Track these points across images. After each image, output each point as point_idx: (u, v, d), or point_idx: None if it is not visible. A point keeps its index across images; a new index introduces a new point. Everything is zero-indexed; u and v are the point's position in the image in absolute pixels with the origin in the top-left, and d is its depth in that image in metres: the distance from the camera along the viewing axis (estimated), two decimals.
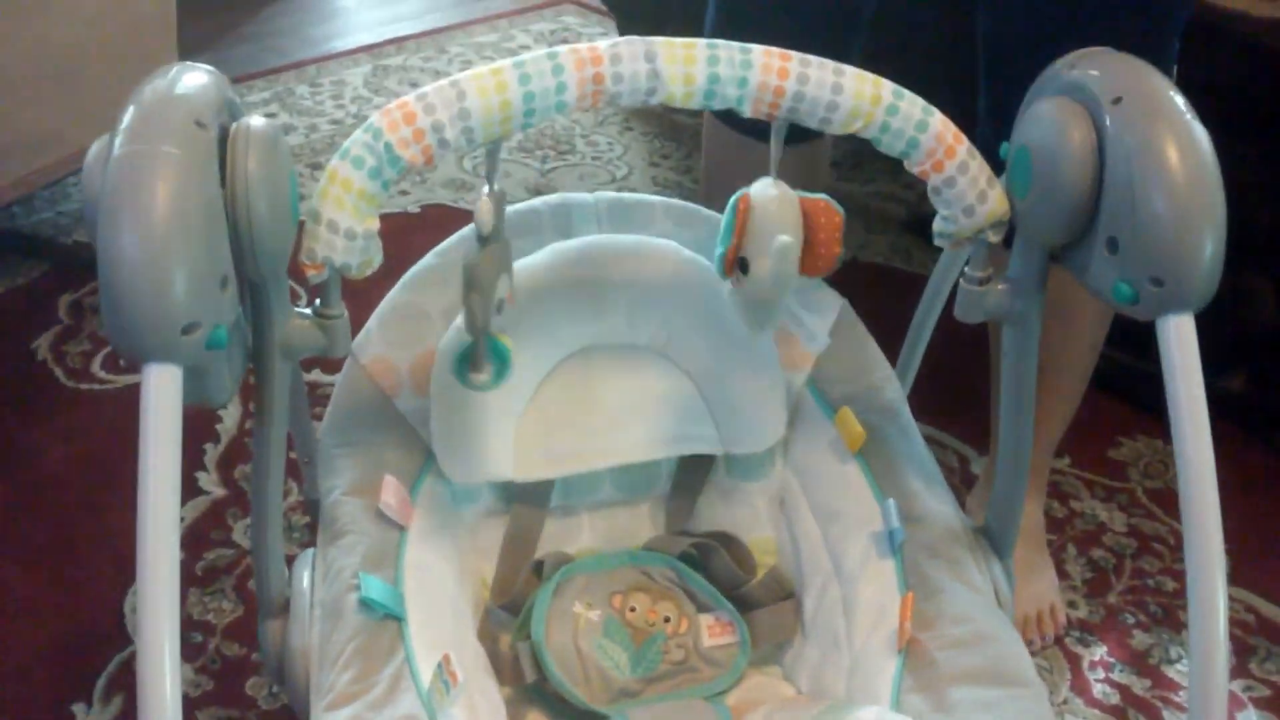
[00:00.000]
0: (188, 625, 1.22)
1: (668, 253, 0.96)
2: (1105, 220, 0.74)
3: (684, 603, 0.96)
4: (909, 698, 0.80)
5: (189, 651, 1.19)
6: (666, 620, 0.95)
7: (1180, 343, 0.73)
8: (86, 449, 1.45)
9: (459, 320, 0.88)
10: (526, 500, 0.98)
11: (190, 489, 1.39)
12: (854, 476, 0.95)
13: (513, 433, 0.95)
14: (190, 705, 1.14)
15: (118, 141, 0.66)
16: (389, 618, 0.80)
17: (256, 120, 0.71)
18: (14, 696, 1.15)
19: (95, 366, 1.58)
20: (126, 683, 1.16)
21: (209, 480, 1.41)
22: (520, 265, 0.89)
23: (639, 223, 0.99)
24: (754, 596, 0.97)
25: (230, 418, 1.49)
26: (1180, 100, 0.74)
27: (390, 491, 0.88)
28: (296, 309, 0.77)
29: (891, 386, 0.99)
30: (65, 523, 1.35)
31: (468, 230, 0.96)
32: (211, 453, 1.45)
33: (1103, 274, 0.75)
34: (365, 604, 0.80)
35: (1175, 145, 0.72)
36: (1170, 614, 1.31)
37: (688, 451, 0.98)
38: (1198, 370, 0.73)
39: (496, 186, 0.78)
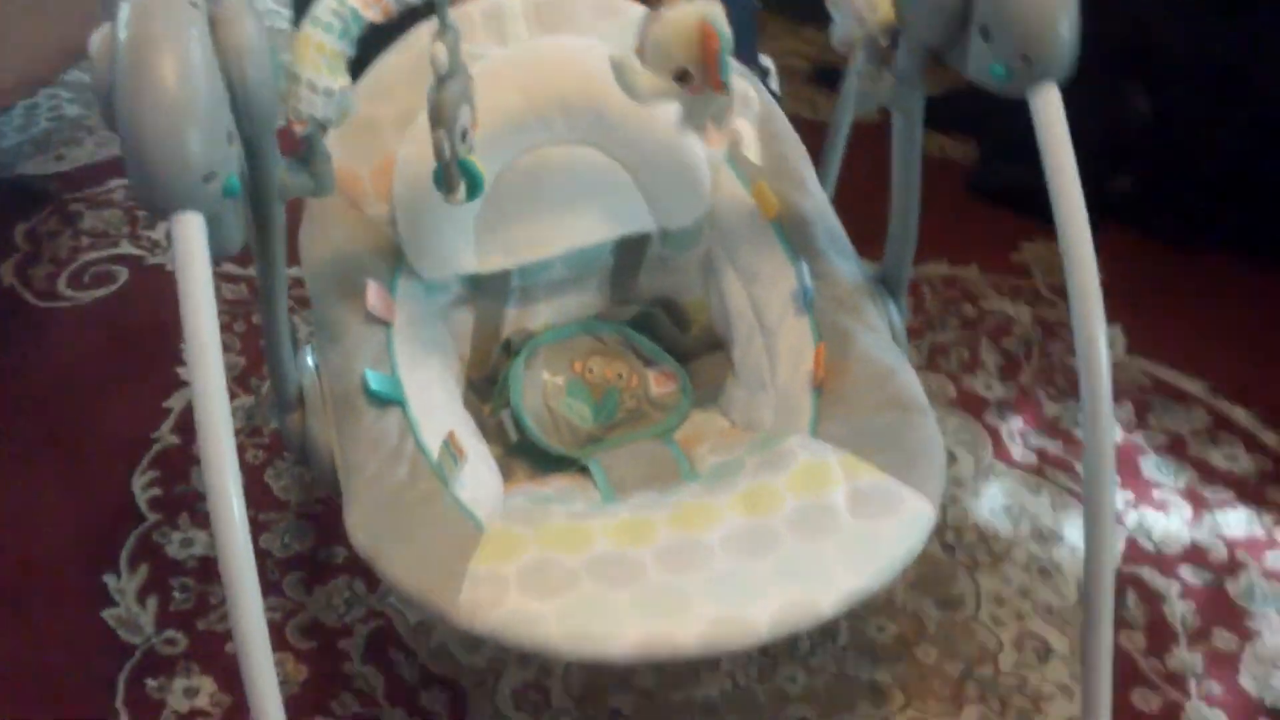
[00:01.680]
0: (195, 498, 1.33)
1: (595, 56, 1.04)
2: (977, 14, 0.86)
3: (633, 360, 1.11)
4: (824, 425, 0.94)
5: (201, 519, 1.30)
6: (620, 376, 1.10)
7: (1050, 108, 0.86)
8: (67, 358, 1.54)
9: (419, 120, 0.98)
10: (490, 287, 1.11)
11: (174, 382, 1.49)
12: (770, 241, 1.08)
13: (472, 229, 1.06)
14: (211, 564, 1.25)
15: (123, 26, 0.75)
16: (393, 404, 0.93)
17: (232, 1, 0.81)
18: (47, 577, 1.25)
19: (61, 286, 1.65)
20: (148, 552, 1.27)
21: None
22: None
23: (565, 19, 1.09)
24: (691, 350, 1.12)
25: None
26: None
27: (374, 294, 1.00)
28: (286, 160, 0.87)
29: (804, 162, 1.11)
30: (61, 425, 1.44)
31: (409, 37, 1.06)
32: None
33: (979, 60, 0.87)
34: (371, 395, 0.93)
35: None
36: (1074, 387, 1.46)
37: (627, 232, 1.11)
38: (1066, 133, 0.86)
39: (451, 28, 0.88)
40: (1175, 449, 1.38)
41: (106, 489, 1.35)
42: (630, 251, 1.14)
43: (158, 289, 1.64)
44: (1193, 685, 1.13)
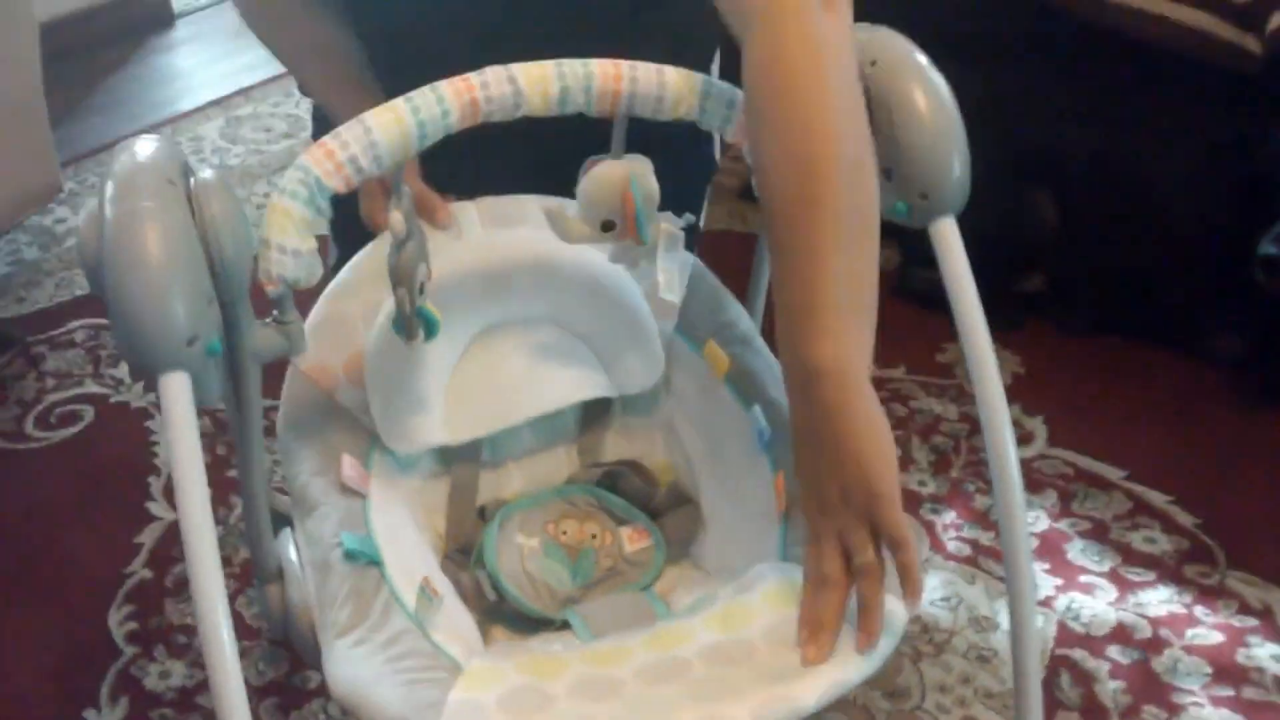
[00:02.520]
0: (170, 630, 1.38)
1: (549, 242, 1.14)
2: (880, 157, 0.96)
3: (605, 520, 1.15)
4: (793, 550, 1.00)
5: (178, 651, 1.35)
6: (594, 536, 1.14)
7: (947, 239, 0.96)
8: (36, 499, 1.59)
9: (380, 317, 1.06)
10: (462, 459, 1.16)
11: (144, 517, 1.54)
12: (725, 396, 1.16)
13: (441, 404, 1.13)
14: (189, 694, 1.30)
15: (108, 205, 0.83)
16: (369, 564, 0.98)
17: (207, 173, 0.89)
18: (30, 713, 1.29)
19: (29, 427, 1.70)
20: (127, 685, 1.31)
21: (159, 508, 1.55)
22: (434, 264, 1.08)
23: (517, 220, 1.19)
24: (661, 507, 1.17)
25: (165, 453, 1.64)
26: (922, 58, 0.97)
27: (349, 467, 1.06)
28: (260, 321, 0.95)
29: (744, 320, 1.19)
30: (35, 562, 1.49)
31: (372, 245, 1.15)
32: (155, 484, 1.59)
33: (885, 197, 0.97)
34: (348, 555, 0.98)
35: (921, 94, 0.95)
36: None
37: (588, 397, 1.17)
38: (964, 258, 0.96)
39: (404, 193, 0.96)
40: (1098, 534, 1.47)
41: (83, 624, 1.39)
42: (595, 418, 1.20)
43: (123, 426, 1.70)
44: None
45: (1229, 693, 1.26)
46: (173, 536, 1.51)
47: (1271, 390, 1.66)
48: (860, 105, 0.91)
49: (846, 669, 0.84)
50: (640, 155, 1.03)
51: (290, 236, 0.91)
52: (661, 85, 0.98)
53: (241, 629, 1.36)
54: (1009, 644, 1.29)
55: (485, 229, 1.18)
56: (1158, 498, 1.51)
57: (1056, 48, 1.83)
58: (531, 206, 1.20)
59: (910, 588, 0.85)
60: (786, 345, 0.88)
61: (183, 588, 1.43)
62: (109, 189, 0.84)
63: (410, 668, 0.88)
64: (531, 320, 1.17)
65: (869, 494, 0.83)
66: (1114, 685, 1.28)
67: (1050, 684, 1.28)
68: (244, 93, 2.65)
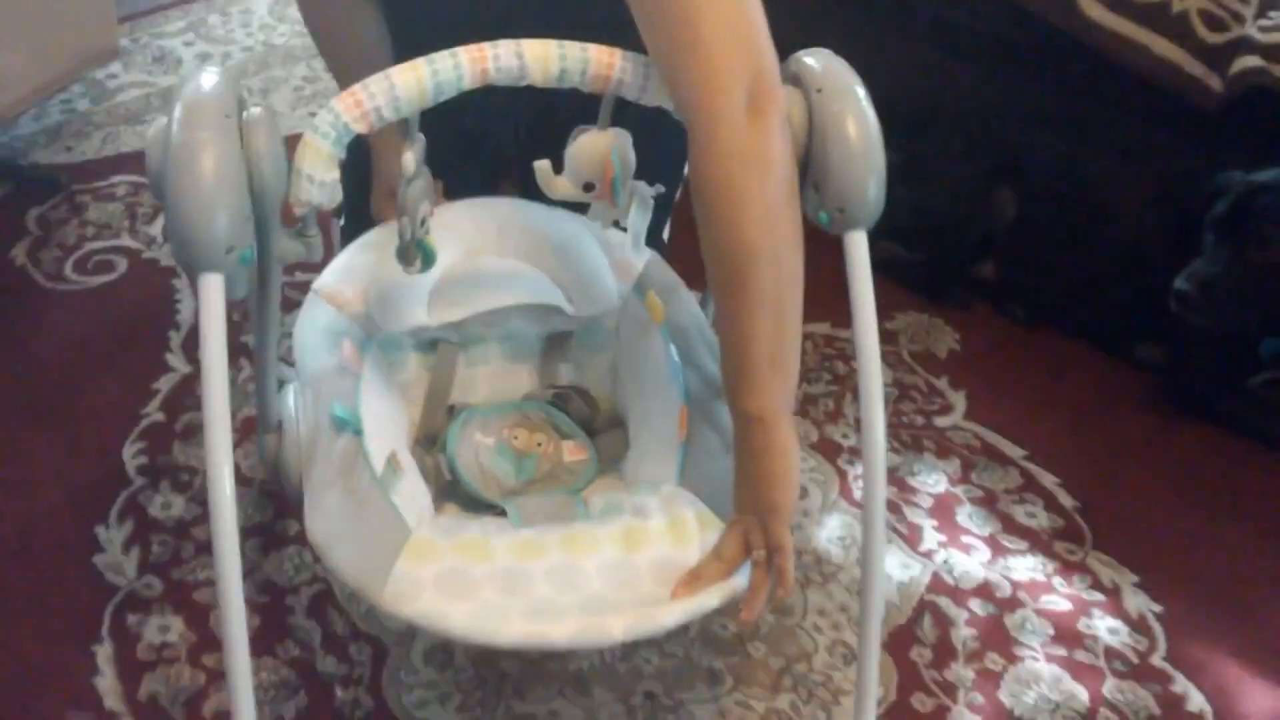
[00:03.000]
0: (176, 468, 1.59)
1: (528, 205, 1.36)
2: (812, 170, 1.14)
3: (551, 433, 1.36)
4: (687, 477, 1.19)
5: (180, 486, 1.57)
6: (539, 444, 1.34)
7: (857, 250, 1.14)
8: (70, 337, 1.79)
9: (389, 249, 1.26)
10: (441, 365, 1.37)
11: (162, 366, 1.75)
12: (656, 339, 1.34)
13: (425, 298, 1.33)
14: (186, 525, 1.52)
15: (174, 130, 1.01)
16: (353, 432, 1.19)
17: (256, 110, 1.07)
18: (49, 526, 1.51)
19: (67, 270, 1.90)
20: (133, 510, 1.53)
21: (176, 360, 1.76)
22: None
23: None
24: (599, 427, 1.37)
25: (186, 309, 1.85)
26: (861, 90, 1.14)
27: (348, 349, 1.26)
28: (286, 231, 1.14)
29: (688, 297, 1.37)
30: (62, 395, 1.69)
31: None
32: (175, 338, 1.80)
33: (812, 205, 1.15)
34: (336, 421, 1.18)
35: (853, 124, 1.12)
36: (916, 441, 1.76)
37: (548, 301, 1.35)
38: (868, 271, 1.13)
39: (418, 139, 1.15)
40: (987, 502, 1.67)
41: (100, 455, 1.60)
42: (554, 346, 1.40)
43: (152, 281, 1.90)
44: (961, 695, 1.42)
45: (1062, 653, 1.48)
46: (186, 386, 1.71)
47: (1178, 398, 1.85)
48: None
49: (698, 601, 1.05)
50: (622, 129, 1.21)
51: (318, 168, 1.10)
52: (646, 76, 1.16)
53: (238, 477, 1.56)
54: (886, 584, 1.52)
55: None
56: (1048, 479, 1.71)
57: (1037, 56, 1.99)
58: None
59: (781, 583, 1.08)
60: (728, 396, 1.13)
61: (190, 433, 1.64)
62: (176, 115, 1.03)
63: (369, 528, 1.09)
64: (507, 253, 1.37)
65: (769, 507, 1.08)
66: (967, 632, 1.49)
67: (913, 624, 1.49)
68: None
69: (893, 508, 1.65)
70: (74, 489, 1.56)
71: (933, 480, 1.70)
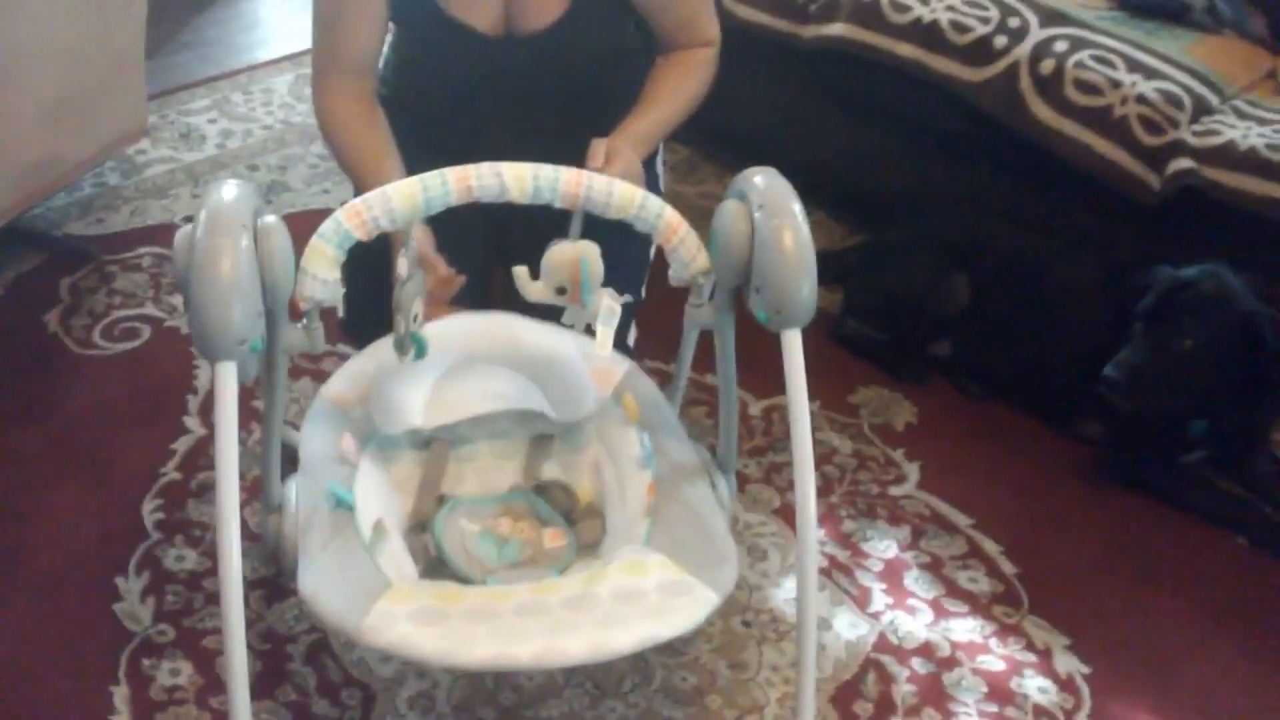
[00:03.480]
0: (190, 524, 1.75)
1: (517, 319, 1.54)
2: (755, 276, 1.30)
3: (533, 522, 1.49)
4: (653, 540, 1.32)
5: (193, 541, 1.72)
6: (521, 531, 1.49)
7: (791, 347, 1.28)
8: (97, 399, 1.96)
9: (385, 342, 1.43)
10: (433, 461, 1.50)
11: (180, 429, 1.91)
12: (631, 436, 1.49)
13: (421, 403, 1.48)
14: (198, 577, 1.67)
15: (198, 235, 1.17)
16: (344, 509, 1.34)
17: (270, 219, 1.23)
18: (74, 573, 1.66)
19: (96, 336, 2.07)
20: (150, 562, 1.68)
21: (193, 423, 1.92)
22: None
23: None
24: (577, 517, 1.51)
25: (203, 376, 2.01)
26: (796, 206, 1.30)
27: (348, 442, 1.42)
28: (292, 324, 1.30)
29: (661, 401, 1.53)
30: (89, 453, 1.85)
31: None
32: (193, 402, 1.96)
33: (755, 305, 1.31)
34: (331, 499, 1.33)
35: (789, 235, 1.27)
36: (871, 509, 1.90)
37: (533, 408, 1.51)
38: (801, 366, 1.28)
39: (411, 245, 1.31)
40: (934, 567, 1.81)
41: (122, 509, 1.76)
42: (539, 446, 1.54)
43: (174, 348, 2.06)
44: None
45: (994, 709, 1.61)
46: (201, 448, 1.87)
47: (1116, 473, 1.99)
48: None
49: (655, 629, 1.21)
50: (591, 241, 1.37)
51: (322, 268, 1.27)
52: (609, 194, 1.32)
53: (245, 533, 1.71)
54: (835, 642, 1.66)
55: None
56: (991, 546, 1.86)
57: (993, 152, 2.16)
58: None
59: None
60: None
61: (204, 490, 1.80)
62: (201, 221, 1.19)
63: (354, 580, 1.24)
64: (496, 359, 1.52)
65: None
66: (907, 689, 1.63)
67: (858, 679, 1.63)
68: None
69: (845, 570, 1.79)
70: (99, 540, 1.71)
71: (884, 546, 1.84)
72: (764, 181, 1.33)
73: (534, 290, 1.39)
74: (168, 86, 2.78)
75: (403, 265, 1.32)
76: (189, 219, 1.24)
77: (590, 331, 1.43)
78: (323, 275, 1.27)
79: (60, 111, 2.08)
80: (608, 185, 1.33)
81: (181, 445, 1.88)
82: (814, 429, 2.00)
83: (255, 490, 1.75)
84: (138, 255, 2.26)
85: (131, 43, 2.21)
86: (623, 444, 1.50)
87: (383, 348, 1.50)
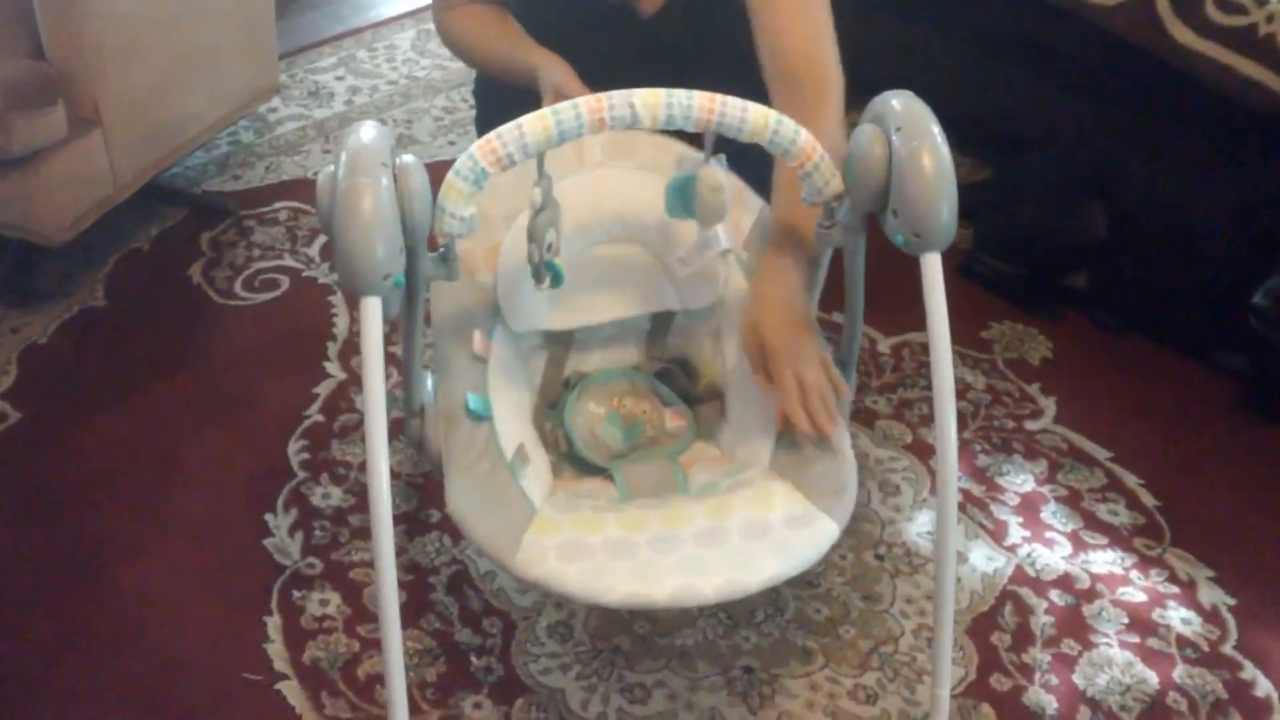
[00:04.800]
0: (334, 463, 1.80)
1: (644, 184, 1.52)
2: (892, 199, 1.29)
3: (655, 402, 1.54)
4: (777, 462, 1.35)
5: (338, 479, 1.78)
6: (644, 412, 1.52)
7: (931, 269, 1.27)
8: (241, 347, 2.03)
9: (519, 221, 1.46)
10: (558, 340, 1.55)
11: (321, 373, 1.97)
12: None
13: (550, 298, 1.51)
14: (343, 513, 1.73)
15: (340, 175, 1.20)
16: (484, 419, 1.38)
17: (408, 158, 1.26)
18: (226, 512, 1.73)
19: (238, 287, 2.14)
20: (297, 500, 1.74)
21: (333, 367, 1.98)
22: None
23: (629, 152, 1.56)
24: (699, 397, 1.54)
25: (341, 323, 2.07)
26: (935, 128, 1.28)
27: (478, 340, 1.45)
28: (431, 255, 1.33)
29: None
30: (236, 398, 1.92)
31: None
32: (332, 348, 2.02)
33: (892, 228, 1.29)
34: (469, 412, 1.37)
35: (928, 157, 1.25)
36: (1006, 444, 1.88)
37: (659, 309, 1.54)
38: (942, 289, 1.27)
39: (545, 176, 1.33)
40: (1072, 501, 1.78)
41: (268, 450, 1.82)
42: (661, 321, 1.58)
43: (311, 296, 2.13)
44: (1036, 676, 1.54)
45: (1136, 640, 1.59)
46: (341, 391, 1.93)
47: (1260, 404, 1.93)
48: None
49: (782, 566, 1.23)
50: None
51: (459, 205, 1.28)
52: (742, 119, 1.32)
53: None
54: (970, 574, 1.65)
55: (604, 157, 1.56)
56: (1131, 479, 1.82)
57: (1123, 78, 2.09)
58: (643, 141, 1.57)
59: (816, 423, 1.34)
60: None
61: (346, 432, 1.86)
62: (342, 162, 1.22)
63: (501, 506, 1.28)
64: (627, 241, 1.54)
65: (757, 344, 1.37)
66: (1045, 620, 1.61)
67: (995, 610, 1.62)
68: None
69: (980, 504, 1.77)
70: (247, 480, 1.78)
71: (1020, 480, 1.82)
72: (901, 104, 1.31)
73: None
74: (296, 46, 2.84)
75: (536, 194, 1.34)
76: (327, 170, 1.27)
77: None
78: (460, 212, 1.29)
79: (195, 71, 2.15)
80: (741, 108, 1.32)
81: (323, 389, 1.93)
82: None
83: (396, 432, 1.81)
84: (274, 210, 2.33)
85: (263, 3, 2.27)
86: None
87: (513, 175, 1.42)
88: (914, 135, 1.28)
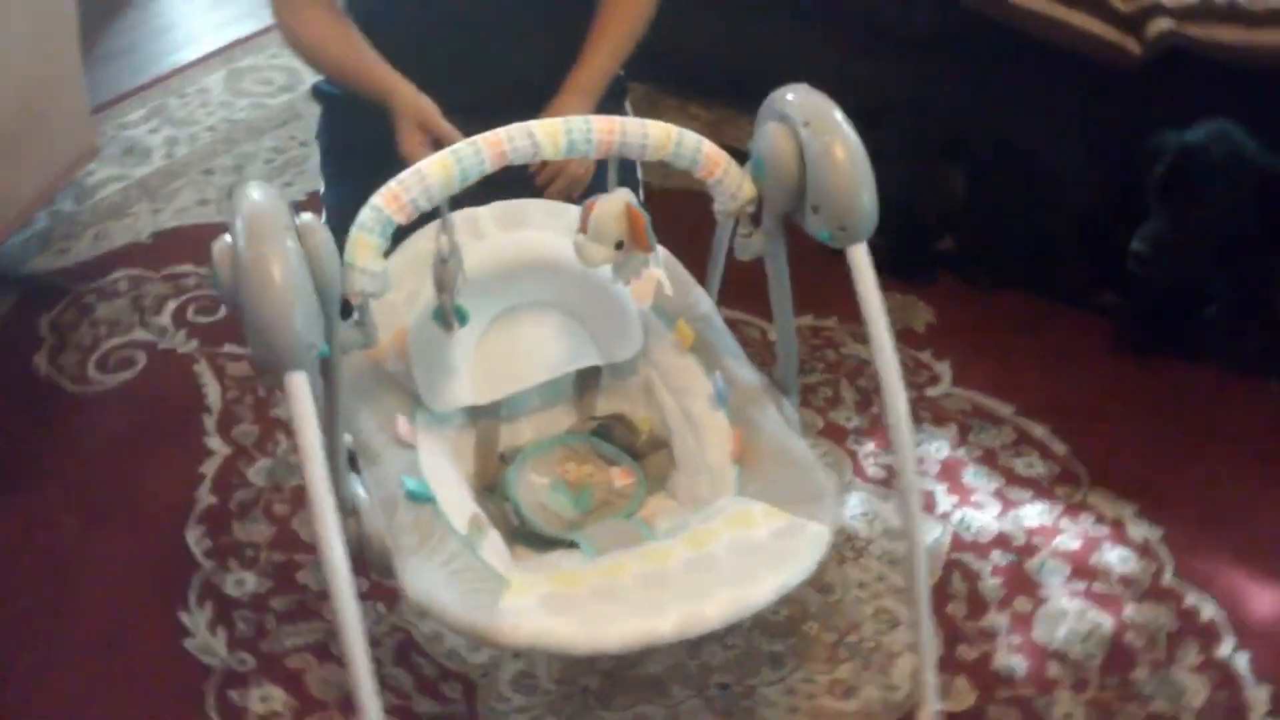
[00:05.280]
0: (240, 545, 1.69)
1: (549, 242, 1.46)
2: (810, 195, 1.27)
3: (599, 462, 1.47)
4: (747, 487, 1.32)
5: (248, 563, 1.66)
6: (590, 475, 1.46)
7: (860, 260, 1.26)
8: (108, 435, 1.87)
9: (419, 305, 1.37)
10: (485, 416, 1.48)
11: (203, 451, 1.84)
12: (690, 364, 1.47)
13: (468, 373, 1.44)
14: (263, 599, 1.62)
15: (242, 245, 1.10)
16: (426, 501, 1.29)
17: (307, 216, 1.17)
18: (133, 618, 1.58)
19: (91, 371, 1.99)
20: (209, 592, 1.62)
21: (215, 442, 1.85)
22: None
23: (522, 221, 1.49)
24: (642, 450, 1.49)
25: (212, 394, 1.94)
26: (841, 116, 1.27)
27: (402, 425, 1.37)
28: (344, 322, 1.25)
29: (705, 301, 1.51)
30: (116, 492, 1.77)
31: (410, 241, 1.45)
32: (209, 421, 1.89)
33: (814, 225, 1.28)
34: (409, 495, 1.29)
35: (840, 148, 1.25)
36: (913, 414, 1.88)
37: (583, 365, 1.49)
38: (873, 276, 1.27)
39: (450, 220, 1.26)
40: (988, 460, 1.81)
41: (165, 542, 1.69)
42: (587, 382, 1.52)
43: (174, 370, 1.99)
44: (1000, 640, 1.55)
45: (1082, 586, 1.62)
46: (230, 466, 1.81)
47: (1138, 340, 2.00)
48: None
49: (787, 574, 1.19)
50: (624, 187, 1.33)
51: (369, 260, 1.21)
52: (644, 136, 1.28)
53: (300, 544, 1.68)
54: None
55: (498, 230, 1.48)
56: (1038, 430, 1.86)
57: (970, 43, 2.14)
58: (532, 209, 1.51)
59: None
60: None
61: (247, 509, 1.73)
62: (239, 230, 1.12)
63: (467, 579, 1.20)
64: (537, 304, 1.48)
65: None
66: (993, 582, 1.63)
67: (944, 582, 1.63)
68: (241, 44, 2.87)
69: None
70: (150, 578, 1.64)
71: (935, 448, 1.84)
72: (802, 98, 1.30)
73: (596, 254, 1.33)
74: (99, 101, 2.65)
75: (443, 241, 1.27)
76: (222, 230, 1.17)
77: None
78: (371, 267, 1.21)
79: (7, 146, 1.98)
80: (641, 127, 1.28)
81: (209, 467, 1.81)
82: (837, 344, 2.01)
83: (299, 500, 1.71)
84: (113, 280, 2.17)
85: (68, 60, 2.11)
86: (681, 374, 1.47)
87: (406, 258, 1.44)
88: (823, 129, 1.27)
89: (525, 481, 1.44)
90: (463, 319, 1.34)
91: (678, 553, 1.24)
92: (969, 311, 2.09)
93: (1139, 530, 1.70)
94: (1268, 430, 1.85)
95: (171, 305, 2.11)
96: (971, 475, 1.79)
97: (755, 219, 1.37)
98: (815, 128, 1.26)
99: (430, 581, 1.20)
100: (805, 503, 1.28)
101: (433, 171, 1.22)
